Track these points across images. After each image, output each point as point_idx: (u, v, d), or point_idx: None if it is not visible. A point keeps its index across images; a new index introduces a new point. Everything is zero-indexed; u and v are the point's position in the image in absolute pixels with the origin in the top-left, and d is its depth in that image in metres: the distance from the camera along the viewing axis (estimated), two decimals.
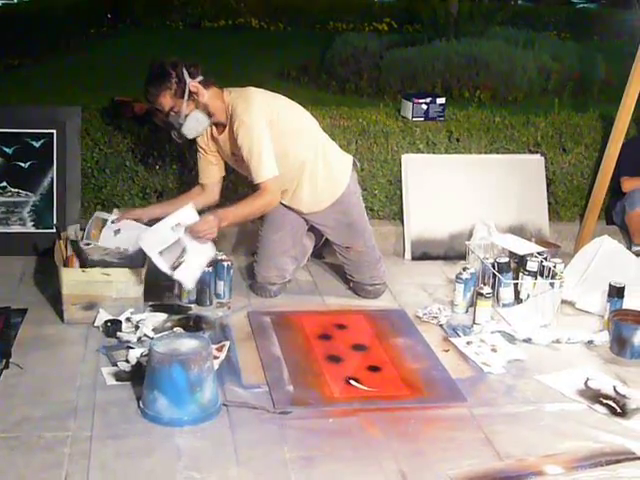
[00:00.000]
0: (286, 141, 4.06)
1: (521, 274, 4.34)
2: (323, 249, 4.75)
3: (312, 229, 4.43)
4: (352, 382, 3.49)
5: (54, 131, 4.74)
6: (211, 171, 4.26)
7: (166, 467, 2.87)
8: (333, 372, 3.58)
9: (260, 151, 3.93)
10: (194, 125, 4.01)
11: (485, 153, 5.27)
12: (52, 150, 4.73)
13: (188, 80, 3.93)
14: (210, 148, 4.20)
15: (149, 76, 3.97)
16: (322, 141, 4.28)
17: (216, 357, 3.49)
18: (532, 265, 4.29)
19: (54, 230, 4.33)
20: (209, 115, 4.02)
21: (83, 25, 11.87)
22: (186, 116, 3.98)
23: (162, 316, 3.95)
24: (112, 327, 3.79)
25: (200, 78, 3.98)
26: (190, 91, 3.94)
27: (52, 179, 4.73)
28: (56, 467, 2.83)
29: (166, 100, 3.95)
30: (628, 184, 5.24)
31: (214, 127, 4.11)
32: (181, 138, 4.10)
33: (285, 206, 4.23)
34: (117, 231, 4.19)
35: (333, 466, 2.93)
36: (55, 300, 4.00)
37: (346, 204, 4.27)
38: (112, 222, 4.16)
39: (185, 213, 3.95)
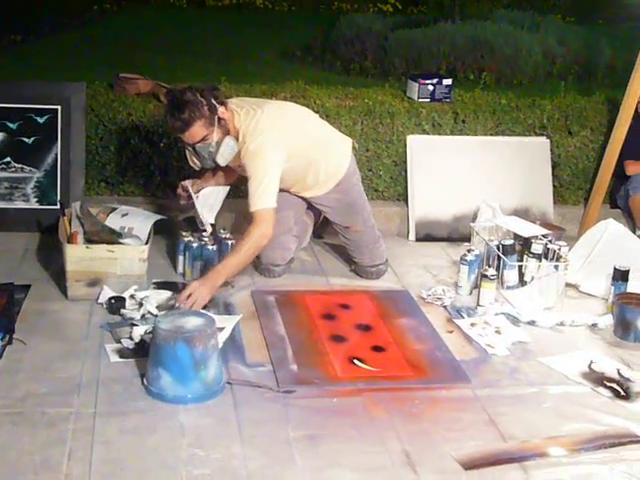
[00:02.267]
0: (295, 155, 4.02)
1: (526, 256, 4.33)
2: (323, 229, 4.74)
3: (310, 207, 4.42)
4: (356, 362, 3.49)
5: (58, 107, 4.71)
6: None
7: (170, 444, 2.87)
8: (337, 352, 3.58)
9: (261, 181, 3.85)
10: (228, 152, 3.91)
11: (491, 135, 5.26)
12: (56, 126, 4.70)
13: (218, 107, 3.84)
14: None
15: (176, 105, 3.79)
16: (325, 135, 4.25)
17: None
18: (537, 248, 4.28)
19: (58, 206, 4.31)
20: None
21: (86, 2, 11.78)
22: (217, 144, 3.88)
23: (166, 293, 3.94)
24: (116, 304, 3.78)
25: (225, 103, 3.89)
26: (219, 117, 3.85)
27: (56, 155, 4.70)
28: (60, 443, 2.83)
29: (199, 129, 3.81)
30: (632, 168, 5.24)
31: None
32: (203, 165, 4.01)
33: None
34: (125, 214, 4.19)
35: (337, 445, 2.93)
36: (59, 276, 4.00)
37: (346, 184, 4.26)
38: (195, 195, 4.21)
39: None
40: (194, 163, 4.05)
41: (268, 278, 4.32)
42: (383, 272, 4.44)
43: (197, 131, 3.82)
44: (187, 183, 4.24)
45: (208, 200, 4.25)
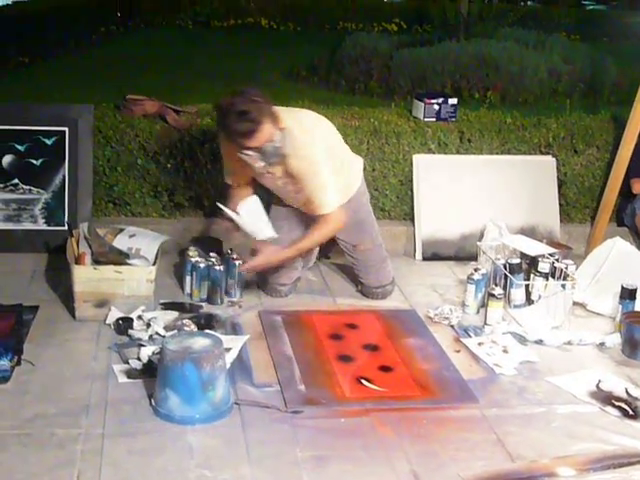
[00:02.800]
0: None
1: (532, 275, 4.33)
2: (329, 249, 4.73)
3: None
4: (364, 382, 3.49)
5: (66, 129, 4.74)
6: (243, 173, 4.12)
7: (178, 465, 2.88)
8: (344, 372, 3.57)
9: (325, 184, 3.89)
10: (289, 148, 3.84)
11: (496, 154, 5.26)
12: (64, 148, 4.74)
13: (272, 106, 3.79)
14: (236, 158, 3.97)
15: (239, 110, 3.65)
16: (341, 152, 4.23)
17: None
18: (544, 266, 4.28)
19: (66, 227, 4.33)
20: None
21: (93, 23, 11.88)
22: (281, 139, 3.79)
23: (173, 314, 3.95)
24: (124, 325, 3.79)
25: None
26: (275, 114, 3.78)
27: (64, 177, 4.73)
28: (68, 464, 2.84)
29: (269, 127, 3.72)
30: (639, 186, 5.23)
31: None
32: (266, 164, 3.88)
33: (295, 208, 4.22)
34: (132, 235, 4.20)
35: (345, 466, 2.93)
36: (67, 297, 4.01)
37: (355, 203, 4.25)
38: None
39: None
40: (257, 165, 3.90)
41: (275, 298, 4.32)
42: (389, 292, 4.44)
43: (267, 129, 3.72)
44: (226, 209, 4.08)
45: (255, 214, 4.11)
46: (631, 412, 3.37)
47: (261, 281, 4.39)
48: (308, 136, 3.88)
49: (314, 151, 3.88)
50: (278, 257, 4.06)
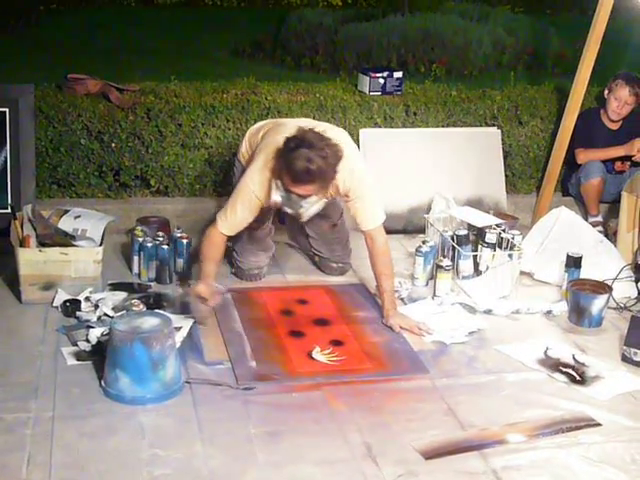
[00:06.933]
0: None
1: (480, 246, 4.37)
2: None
3: None
4: (315, 356, 3.49)
5: (6, 110, 4.62)
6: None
7: (130, 445, 2.86)
8: (296, 347, 3.58)
9: (376, 199, 3.91)
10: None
11: (442, 127, 5.29)
12: (5, 129, 4.61)
13: None
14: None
15: (326, 164, 3.52)
16: None
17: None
18: (491, 237, 4.32)
19: (9, 210, 4.24)
20: None
21: (32, 2, 11.62)
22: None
23: (122, 295, 3.91)
24: (71, 307, 3.75)
25: None
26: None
27: (6, 159, 4.62)
28: (18, 449, 2.81)
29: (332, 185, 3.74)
30: (583, 156, 5.28)
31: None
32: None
33: None
34: (77, 216, 4.14)
35: (298, 440, 2.94)
36: (12, 281, 3.95)
37: None
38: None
39: None
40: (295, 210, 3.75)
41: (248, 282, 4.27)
42: (346, 271, 4.43)
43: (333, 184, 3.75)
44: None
45: None
46: (578, 378, 3.43)
47: (237, 270, 4.30)
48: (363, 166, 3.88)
49: (367, 179, 3.87)
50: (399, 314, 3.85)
